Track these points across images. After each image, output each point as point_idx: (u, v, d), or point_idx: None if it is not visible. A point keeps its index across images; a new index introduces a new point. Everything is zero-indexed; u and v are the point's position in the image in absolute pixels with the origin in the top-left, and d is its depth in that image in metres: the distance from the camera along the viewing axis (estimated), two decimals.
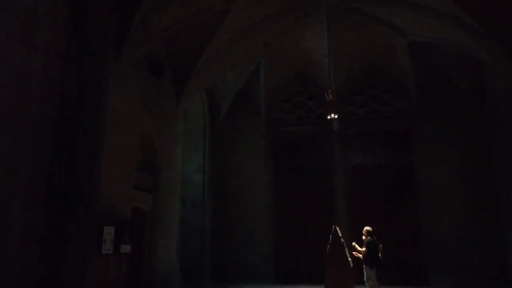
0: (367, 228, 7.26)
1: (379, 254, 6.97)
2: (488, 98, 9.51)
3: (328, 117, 7.54)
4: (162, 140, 8.45)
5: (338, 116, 7.56)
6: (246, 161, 11.21)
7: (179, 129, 9.50)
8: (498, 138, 9.09)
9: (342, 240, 6.80)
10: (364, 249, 6.95)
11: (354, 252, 7.18)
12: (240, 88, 11.14)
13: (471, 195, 9.32)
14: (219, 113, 11.44)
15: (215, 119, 11.45)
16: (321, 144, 11.01)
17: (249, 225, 10.68)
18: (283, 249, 10.37)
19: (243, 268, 10.34)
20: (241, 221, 10.75)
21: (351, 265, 6.59)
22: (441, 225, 9.36)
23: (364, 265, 7.03)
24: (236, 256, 10.49)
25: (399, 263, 9.60)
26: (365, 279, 6.90)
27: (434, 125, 10.07)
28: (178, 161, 9.16)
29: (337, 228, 6.83)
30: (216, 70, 9.64)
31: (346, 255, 6.54)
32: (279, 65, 10.90)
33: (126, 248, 6.32)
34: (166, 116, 8.80)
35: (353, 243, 7.24)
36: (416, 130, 10.20)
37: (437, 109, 10.15)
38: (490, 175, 9.24)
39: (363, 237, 7.19)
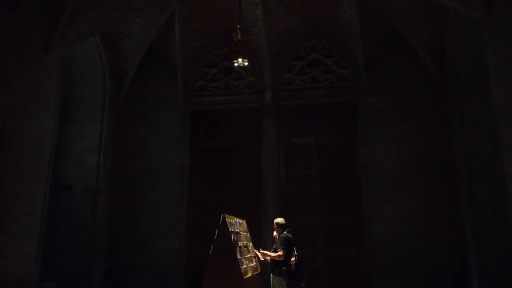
0: (278, 220, 5.27)
1: (295, 260, 5.02)
2: (449, 65, 7.84)
3: (236, 63, 5.48)
4: (15, 100, 5.99)
5: (248, 63, 5.50)
6: (157, 139, 8.91)
7: (54, 90, 7.02)
8: (459, 114, 7.44)
9: (236, 239, 4.69)
10: (280, 251, 4.95)
11: (262, 252, 5.17)
12: (150, 46, 8.78)
13: (427, 182, 7.64)
14: (124, 77, 9.01)
15: (118, 85, 9.02)
16: (252, 119, 8.94)
17: (157, 218, 8.42)
18: (198, 248, 8.21)
19: (146, 271, 8.11)
20: (147, 213, 8.47)
21: (244, 275, 4.46)
22: (390, 218, 7.59)
23: (271, 275, 5.05)
24: (138, 256, 8.22)
25: (337, 265, 7.80)
26: None
27: (385, 97, 8.29)
28: (46, 132, 6.69)
29: (227, 219, 4.69)
30: (111, 13, 7.24)
31: (236, 260, 4.41)
32: (200, 16, 8.64)
33: None
34: (28, 69, 6.32)
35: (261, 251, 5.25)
36: (363, 103, 8.37)
37: (388, 79, 8.37)
38: (450, 159, 7.60)
39: (274, 232, 5.22)
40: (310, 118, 8.82)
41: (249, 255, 4.93)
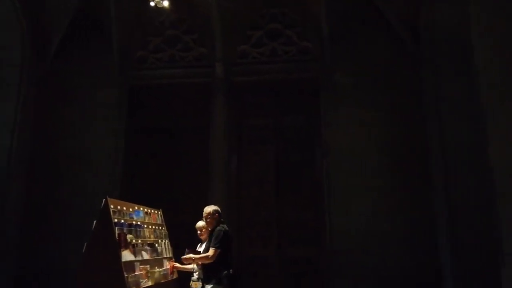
0: (210, 208, 4.05)
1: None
2: (425, 37, 6.79)
3: (152, 3, 4.23)
4: None
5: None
6: (87, 119, 7.50)
7: None
8: (434, 92, 6.42)
9: (125, 233, 3.39)
10: (211, 251, 3.73)
11: (186, 257, 3.90)
12: (80, 7, 7.38)
13: (398, 170, 6.57)
14: (48, 44, 7.57)
15: (42, 56, 7.56)
16: (200, 96, 7.67)
17: (82, 214, 7.04)
18: None
19: (66, 277, 6.75)
20: (71, 207, 7.09)
21: (134, 285, 3.16)
22: (354, 211, 6.50)
23: (206, 286, 3.81)
24: (58, 260, 6.84)
25: (293, 267, 6.66)
26: None
27: (352, 74, 7.16)
28: None
29: (113, 206, 3.37)
30: None
31: (118, 263, 3.10)
32: None
33: None
34: None
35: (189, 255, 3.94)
36: (328, 80, 7.23)
37: (357, 53, 7.25)
38: (424, 145, 6.57)
39: (200, 223, 4.01)
40: (267, 96, 7.64)
41: (156, 257, 3.68)
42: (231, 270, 3.68)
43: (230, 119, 7.41)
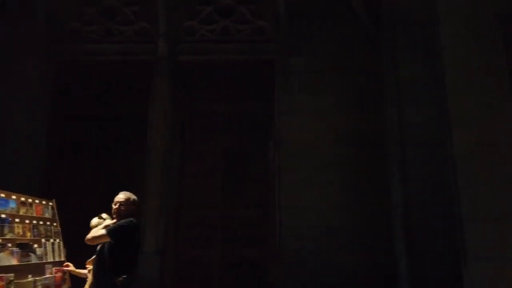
0: (129, 195, 3.26)
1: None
2: (384, 16, 6.31)
3: None
4: None
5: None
6: (3, 99, 6.42)
7: None
8: (393, 77, 5.94)
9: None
10: (98, 232, 2.93)
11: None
12: None
13: (356, 162, 6.04)
14: None
15: None
16: (140, 76, 6.77)
17: None
18: None
19: None
20: None
21: None
22: (308, 207, 5.88)
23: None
24: None
25: (238, 270, 5.96)
26: None
27: (310, 57, 6.56)
28: None
29: None
30: None
31: None
32: None
33: None
34: None
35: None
36: (283, 63, 6.58)
37: (315, 35, 6.65)
38: (384, 134, 6.07)
39: (114, 207, 3.22)
40: (218, 79, 6.87)
41: (29, 262, 2.85)
42: (129, 276, 2.88)
43: (175, 104, 6.59)
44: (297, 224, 5.80)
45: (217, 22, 6.91)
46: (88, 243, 2.97)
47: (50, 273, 3.02)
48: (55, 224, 3.41)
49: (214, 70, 6.90)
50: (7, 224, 2.70)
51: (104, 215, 3.32)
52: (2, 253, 2.64)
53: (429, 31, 5.27)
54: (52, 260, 3.12)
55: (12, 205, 2.91)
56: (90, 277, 3.02)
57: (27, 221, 2.99)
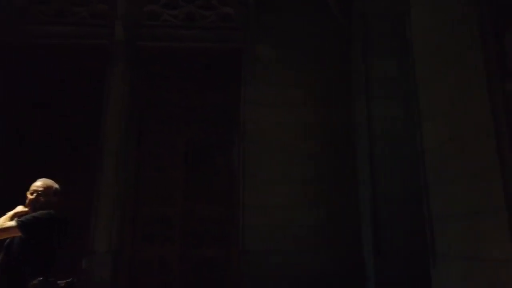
0: (51, 182, 2.84)
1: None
2: (356, 12, 6.12)
3: None
4: None
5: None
6: None
7: None
8: (363, 71, 5.75)
9: None
10: (8, 222, 2.51)
11: None
12: None
13: (325, 158, 5.79)
14: None
15: None
16: (95, 62, 6.24)
17: None
18: None
19: None
20: None
21: None
22: (274, 205, 5.60)
23: None
24: None
25: (198, 271, 5.59)
26: None
27: (279, 47, 6.26)
28: None
29: None
30: None
31: None
32: None
33: None
34: None
35: None
36: (250, 52, 6.25)
37: (285, 24, 6.36)
38: (354, 129, 5.88)
39: (30, 195, 2.79)
40: (181, 68, 6.46)
41: None
42: (45, 279, 2.46)
43: (133, 92, 6.11)
44: (262, 223, 5.50)
45: (181, 7, 6.48)
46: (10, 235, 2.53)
47: None
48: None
49: (177, 57, 6.48)
50: None
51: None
52: None
53: (401, 23, 5.10)
54: None
55: None
56: None
57: None
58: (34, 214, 2.62)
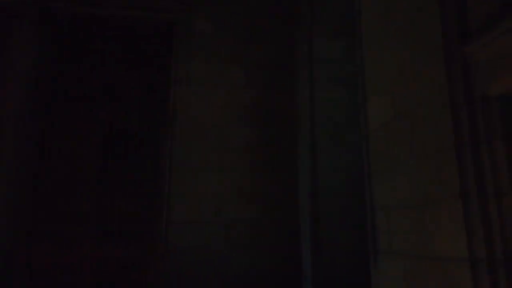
0: None
1: None
2: None
3: None
4: None
5: None
6: None
7: None
8: (307, 52, 5.27)
9: None
10: None
11: None
12: None
13: (264, 146, 5.24)
14: None
15: None
16: None
17: None
18: None
19: None
20: None
21: None
22: (204, 197, 4.95)
23: None
24: None
25: (113, 273, 4.78)
26: None
27: (218, 23, 5.60)
28: None
29: None
30: None
31: None
32: None
33: None
34: None
35: None
36: (185, 26, 5.52)
37: None
38: (294, 119, 5.37)
39: None
40: (102, 38, 5.56)
41: None
42: None
43: (40, 64, 5.12)
44: (190, 217, 4.82)
45: None
46: None
47: None
48: None
49: (98, 26, 5.57)
50: None
51: None
52: None
53: (349, 4, 4.68)
54: None
55: None
56: None
57: None
58: None
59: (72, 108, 5.24)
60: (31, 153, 4.79)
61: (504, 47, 1.97)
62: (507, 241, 1.90)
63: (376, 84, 3.13)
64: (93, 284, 4.63)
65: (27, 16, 5.12)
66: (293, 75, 5.47)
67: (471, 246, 2.00)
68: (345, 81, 4.90)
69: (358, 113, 4.68)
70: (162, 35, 5.58)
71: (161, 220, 4.80)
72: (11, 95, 4.84)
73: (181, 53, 5.40)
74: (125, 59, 5.51)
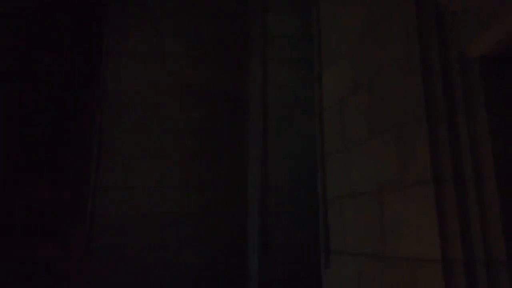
0: None
1: None
2: None
3: None
4: None
5: None
6: None
7: None
8: (260, 29, 4.75)
9: None
10: None
11: None
12: None
13: (209, 131, 4.66)
14: None
15: None
16: None
17: None
18: None
19: None
20: None
21: None
22: (137, 192, 4.29)
23: None
24: None
25: (26, 279, 4.01)
26: None
27: None
28: None
29: None
30: None
31: None
32: None
33: None
34: None
35: None
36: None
37: None
38: (245, 103, 4.84)
39: None
40: (13, 9, 4.70)
41: None
42: None
43: None
44: (120, 210, 4.14)
45: None
46: None
47: None
48: None
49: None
50: None
51: None
52: None
53: None
54: None
55: None
56: None
57: None
58: None
59: None
60: None
61: None
62: (489, 237, 1.48)
63: (333, 52, 2.67)
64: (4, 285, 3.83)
65: None
66: (246, 54, 4.93)
67: (444, 244, 1.57)
68: (302, 61, 4.44)
69: (311, 89, 4.24)
70: (95, 3, 4.82)
71: (86, 213, 4.08)
72: None
73: (116, 22, 4.67)
74: (48, 28, 4.69)
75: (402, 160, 1.85)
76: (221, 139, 4.61)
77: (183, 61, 4.69)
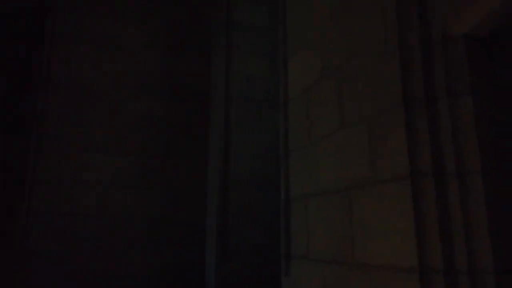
0: None
1: None
2: None
3: None
4: None
5: None
6: None
7: None
8: (224, 17, 4.47)
9: None
10: None
11: None
12: None
13: (170, 122, 4.29)
14: None
15: None
16: None
17: None
18: None
19: None
20: None
21: None
22: (78, 190, 3.85)
23: None
24: None
25: None
26: None
27: None
28: None
29: None
30: None
31: None
32: None
33: None
34: None
35: None
36: None
37: None
38: (207, 93, 4.52)
39: None
40: None
41: None
42: None
43: None
44: (64, 209, 3.70)
45: None
46: None
47: None
48: None
49: None
50: None
51: None
52: None
53: None
54: None
55: None
56: None
57: None
58: None
59: None
60: None
61: None
62: (473, 242, 1.26)
63: (300, 38, 2.43)
64: None
65: None
66: (209, 44, 4.62)
67: (422, 250, 1.34)
68: (268, 52, 4.20)
69: (277, 82, 4.01)
70: None
71: (22, 212, 3.60)
72: None
73: (66, 4, 4.22)
74: None
75: (376, 154, 1.62)
76: (181, 133, 4.27)
77: (140, 47, 4.31)
